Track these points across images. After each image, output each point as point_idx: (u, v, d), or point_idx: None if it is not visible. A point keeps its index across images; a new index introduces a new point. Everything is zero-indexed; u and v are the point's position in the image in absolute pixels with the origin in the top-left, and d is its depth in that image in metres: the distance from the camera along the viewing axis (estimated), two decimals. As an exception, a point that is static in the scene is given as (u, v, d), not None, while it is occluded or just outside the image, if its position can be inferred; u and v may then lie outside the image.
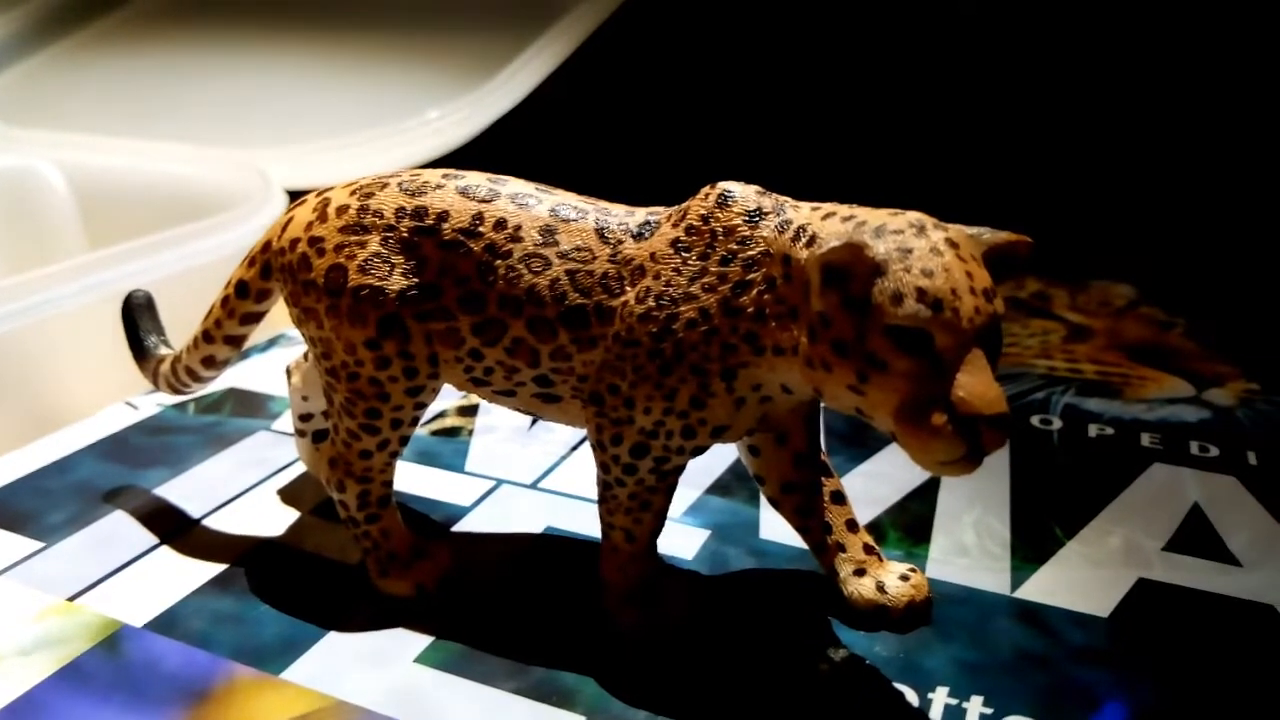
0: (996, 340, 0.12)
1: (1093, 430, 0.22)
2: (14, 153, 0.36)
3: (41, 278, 0.23)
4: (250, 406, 0.22)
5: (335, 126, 0.39)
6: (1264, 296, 0.31)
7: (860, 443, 0.21)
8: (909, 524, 0.18)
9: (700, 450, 0.14)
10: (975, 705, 0.14)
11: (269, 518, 0.18)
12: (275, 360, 0.25)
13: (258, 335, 0.23)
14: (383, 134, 0.39)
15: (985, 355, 0.11)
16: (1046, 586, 0.16)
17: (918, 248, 0.11)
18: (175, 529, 0.18)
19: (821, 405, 0.15)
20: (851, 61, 0.47)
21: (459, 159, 0.38)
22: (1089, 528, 0.18)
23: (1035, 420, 0.22)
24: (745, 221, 0.13)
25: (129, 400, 0.23)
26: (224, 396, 0.23)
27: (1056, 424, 0.22)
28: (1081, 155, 0.42)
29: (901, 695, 0.14)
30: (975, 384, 0.11)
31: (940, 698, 0.14)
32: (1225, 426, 0.22)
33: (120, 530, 0.18)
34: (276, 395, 0.23)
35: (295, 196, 0.25)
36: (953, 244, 0.12)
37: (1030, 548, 0.17)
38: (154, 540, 0.17)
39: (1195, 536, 0.18)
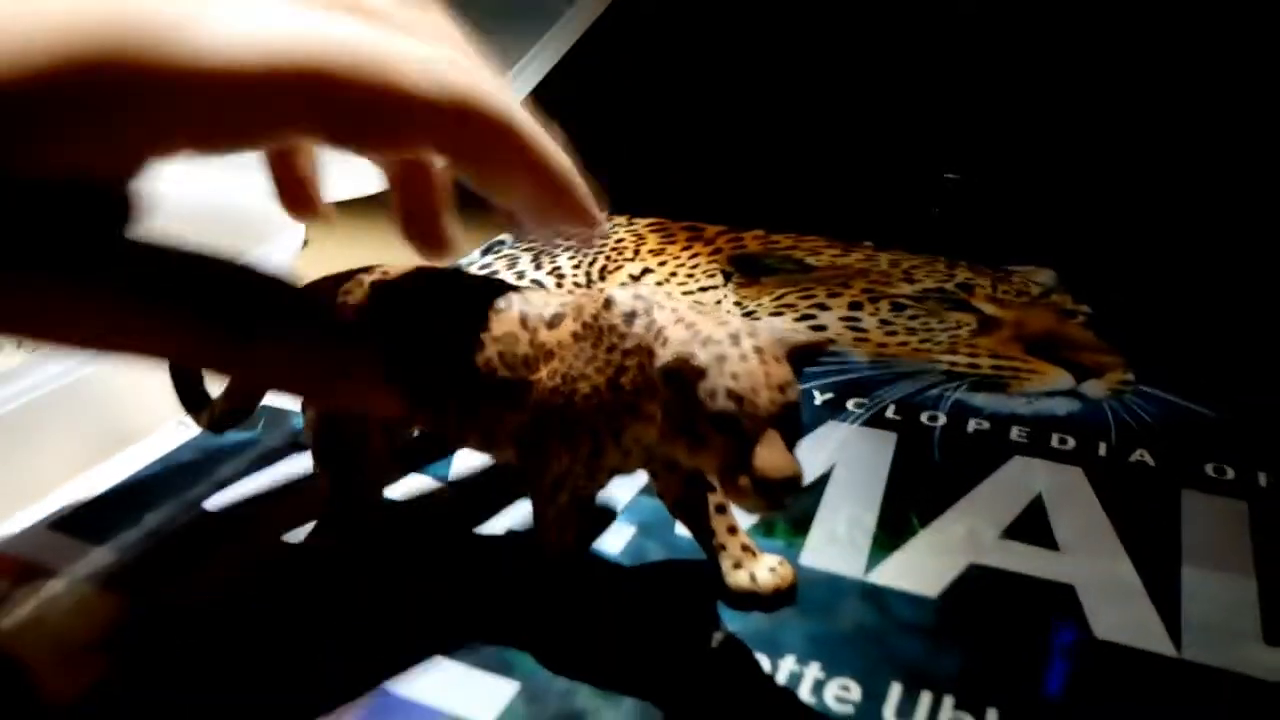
0: (793, 421, 0.15)
1: (972, 425, 0.25)
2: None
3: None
4: (283, 425, 0.27)
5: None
6: (1167, 283, 0.34)
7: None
8: (795, 517, 0.22)
9: (603, 484, 0.18)
10: (813, 669, 0.18)
11: (290, 521, 0.22)
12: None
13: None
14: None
15: (781, 433, 0.15)
16: (893, 571, 0.20)
17: (730, 355, 0.15)
18: (218, 533, 0.22)
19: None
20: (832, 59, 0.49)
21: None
22: (941, 517, 0.21)
23: (924, 417, 0.26)
24: (623, 321, 0.17)
25: (182, 420, 0.27)
26: (266, 415, 0.27)
27: (941, 420, 0.25)
28: (1022, 136, 0.45)
29: (759, 663, 0.18)
30: (770, 455, 0.15)
31: (787, 664, 0.18)
32: (1087, 419, 0.25)
33: (173, 543, 0.22)
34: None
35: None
36: (759, 350, 0.15)
37: (888, 536, 0.21)
38: (204, 550, 0.22)
39: (1029, 525, 0.21)
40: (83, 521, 0.22)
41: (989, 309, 0.32)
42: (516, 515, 0.22)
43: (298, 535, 0.22)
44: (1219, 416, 0.25)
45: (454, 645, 0.18)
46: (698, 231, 0.39)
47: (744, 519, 0.20)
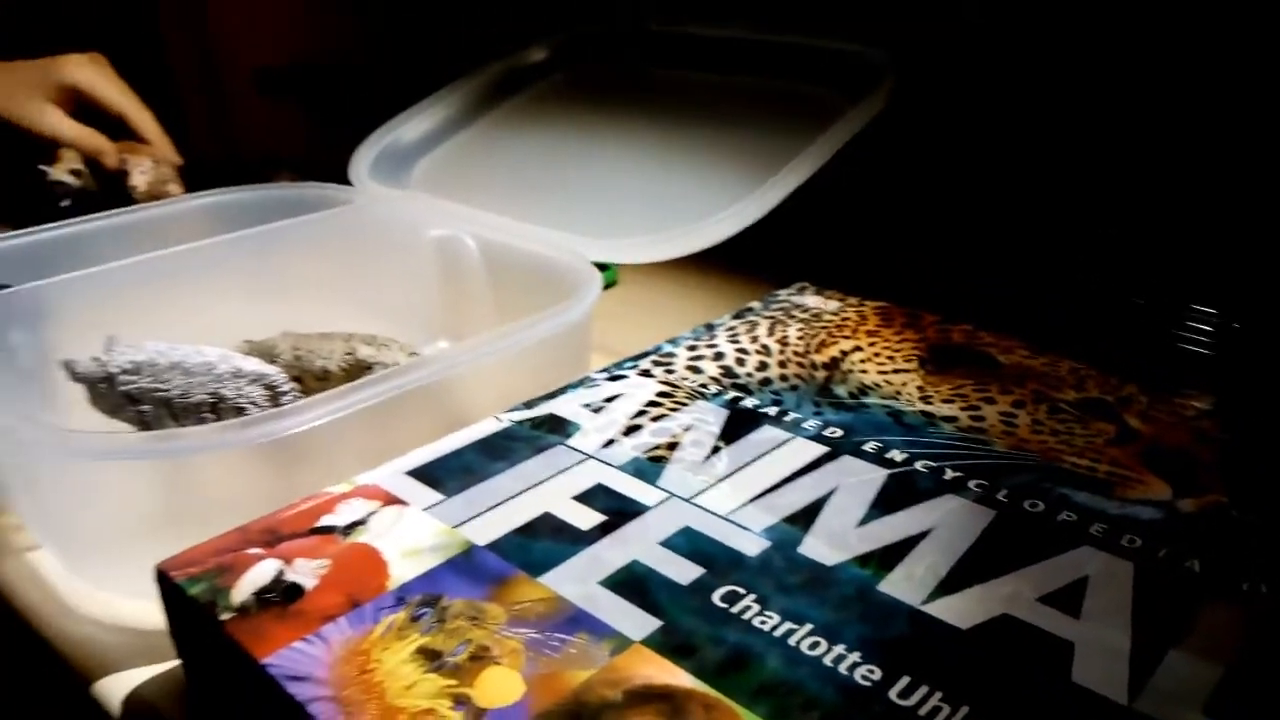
0: None
1: (1062, 516, 0.31)
2: (443, 225, 0.54)
3: (463, 348, 0.39)
4: (557, 427, 0.38)
5: (644, 216, 0.53)
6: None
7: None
8: (887, 556, 0.29)
9: None
10: (854, 656, 0.25)
11: (546, 497, 0.33)
12: (579, 397, 0.40)
13: (568, 376, 0.38)
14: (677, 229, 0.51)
15: None
16: (941, 606, 0.27)
17: None
18: (505, 497, 0.33)
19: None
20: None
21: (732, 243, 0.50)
22: (999, 579, 0.28)
23: (1026, 503, 0.32)
24: None
25: (497, 416, 0.39)
26: (546, 418, 0.38)
27: (1039, 508, 0.32)
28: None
29: (820, 643, 0.26)
30: None
31: (838, 649, 0.26)
32: (1164, 528, 0.30)
33: (478, 493, 0.33)
34: (572, 420, 0.38)
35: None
36: None
37: (950, 584, 0.28)
38: (496, 500, 0.33)
39: (1065, 596, 0.27)
40: (425, 472, 0.34)
41: (1134, 423, 0.37)
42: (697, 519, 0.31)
43: (556, 506, 0.32)
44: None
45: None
46: (915, 318, 0.47)
47: (840, 558, 0.28)
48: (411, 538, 0.30)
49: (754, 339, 0.44)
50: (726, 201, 0.53)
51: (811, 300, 0.49)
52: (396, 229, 0.53)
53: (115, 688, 0.32)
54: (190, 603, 0.28)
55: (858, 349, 0.43)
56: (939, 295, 0.50)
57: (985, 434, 0.36)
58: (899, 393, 0.39)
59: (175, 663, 0.32)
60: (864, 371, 0.41)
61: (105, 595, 0.35)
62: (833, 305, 0.48)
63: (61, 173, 0.60)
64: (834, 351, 0.43)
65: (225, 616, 0.27)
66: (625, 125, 0.64)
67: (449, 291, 0.53)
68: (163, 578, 0.29)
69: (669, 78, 0.68)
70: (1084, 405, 0.38)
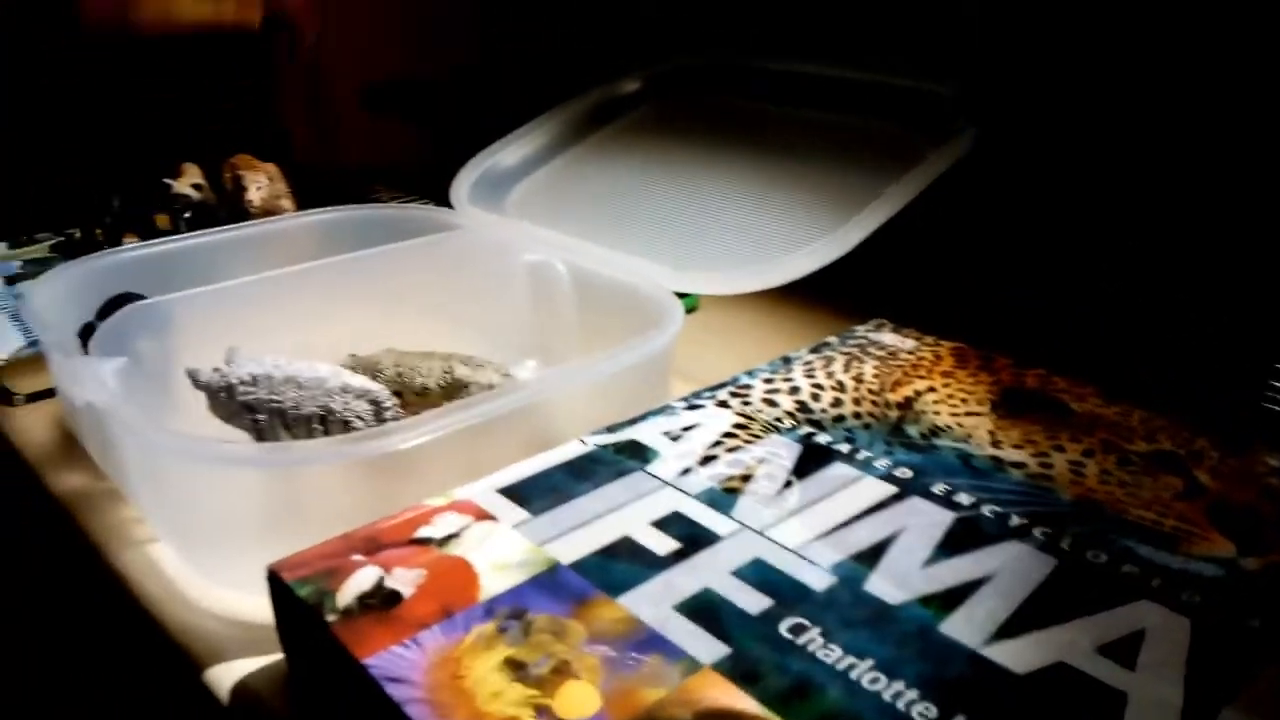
0: None
1: (1125, 568, 0.32)
2: (536, 251, 0.57)
3: (553, 373, 0.41)
4: (637, 453, 0.40)
5: (727, 248, 0.55)
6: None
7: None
8: (949, 599, 0.31)
9: None
10: (913, 693, 0.27)
11: (625, 521, 0.35)
12: (659, 424, 0.42)
13: (649, 401, 0.40)
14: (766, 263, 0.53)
15: None
16: (999, 650, 0.28)
17: None
18: (588, 519, 0.35)
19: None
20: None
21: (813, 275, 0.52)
22: (1058, 627, 0.29)
23: (1089, 554, 0.33)
24: None
25: (582, 439, 0.41)
26: (627, 444, 0.40)
27: (1101, 559, 0.33)
28: None
29: (880, 678, 0.27)
30: None
31: (897, 685, 0.27)
32: (1225, 585, 0.31)
33: (563, 513, 0.35)
34: (652, 447, 0.40)
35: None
36: None
37: (1010, 628, 0.29)
38: (579, 521, 0.35)
39: (1121, 648, 0.28)
40: (514, 490, 0.37)
41: (1202, 478, 0.37)
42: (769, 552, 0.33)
43: (634, 530, 0.34)
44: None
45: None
46: (989, 361, 0.48)
47: (904, 600, 0.29)
48: (501, 553, 0.33)
49: (830, 375, 0.46)
50: (809, 237, 0.54)
51: (889, 338, 0.50)
52: (494, 253, 0.56)
53: (224, 676, 0.35)
54: (299, 603, 0.31)
55: (931, 390, 0.44)
56: (1016, 338, 0.50)
57: (1052, 481, 0.37)
58: (970, 436, 0.40)
59: (279, 656, 0.35)
60: (936, 413, 0.42)
61: (217, 588, 0.38)
62: (909, 344, 0.49)
63: (184, 186, 0.64)
64: (908, 391, 0.44)
65: (331, 618, 0.30)
66: (713, 157, 0.66)
67: (539, 313, 0.55)
68: (274, 578, 0.32)
69: (758, 112, 0.69)
70: (1153, 457, 0.39)
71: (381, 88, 0.96)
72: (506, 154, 0.66)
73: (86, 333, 0.46)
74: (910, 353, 0.48)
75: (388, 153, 0.96)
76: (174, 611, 0.38)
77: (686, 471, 0.37)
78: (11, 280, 0.65)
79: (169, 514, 0.39)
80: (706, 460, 0.38)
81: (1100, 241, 0.62)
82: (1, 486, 0.53)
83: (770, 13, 0.76)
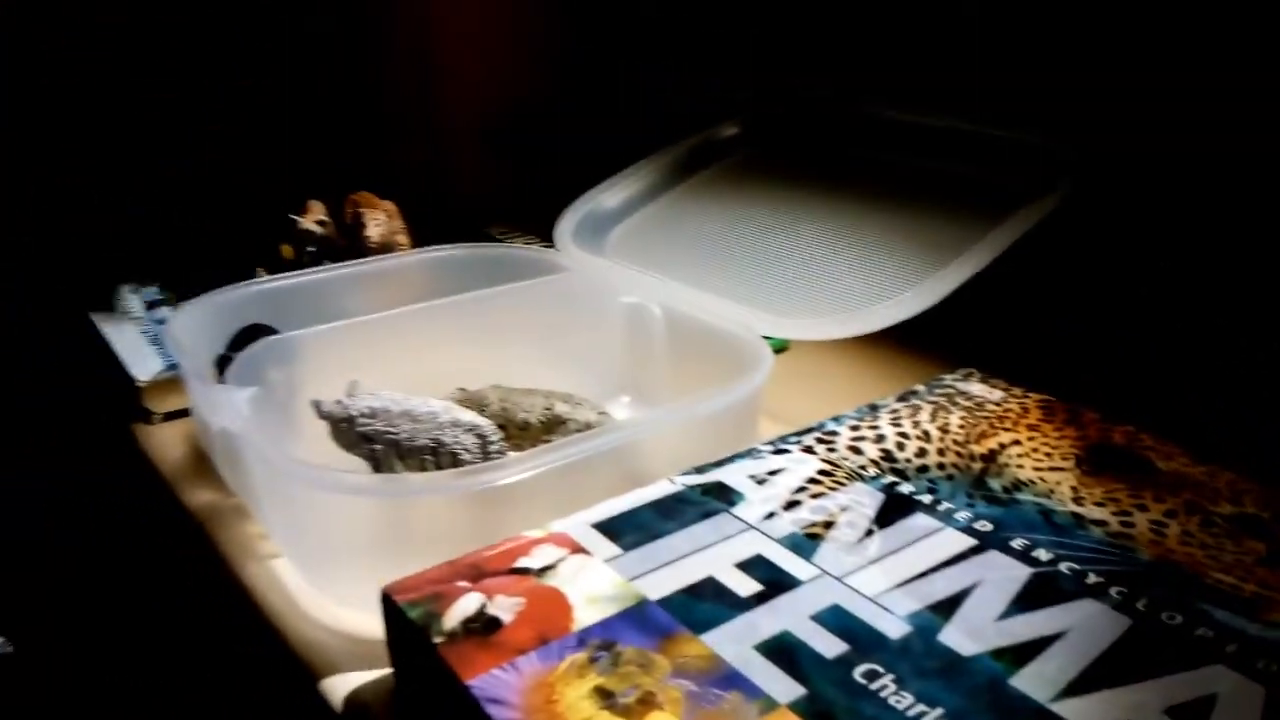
0: None
1: (1200, 631, 0.33)
2: (633, 293, 0.59)
3: (648, 415, 0.44)
4: (723, 495, 0.41)
5: (819, 294, 0.57)
6: None
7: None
8: (1023, 652, 0.32)
9: None
10: (980, 743, 0.28)
11: (710, 561, 0.37)
12: (745, 468, 0.44)
13: (737, 443, 0.42)
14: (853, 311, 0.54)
15: None
16: (1066, 707, 0.29)
17: None
18: (675, 557, 0.37)
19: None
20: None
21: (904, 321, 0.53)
22: (1125, 688, 0.30)
23: (1164, 615, 0.33)
24: None
25: (671, 479, 0.43)
26: (714, 485, 0.42)
27: (1177, 620, 0.33)
28: None
29: (949, 728, 0.29)
30: None
31: (966, 735, 0.28)
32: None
33: (652, 550, 0.37)
34: (738, 490, 0.42)
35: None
36: None
37: (1078, 687, 0.30)
38: (666, 559, 0.37)
39: (1189, 712, 0.29)
40: (607, 526, 0.39)
41: (1288, 543, 0.37)
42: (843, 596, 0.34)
43: (717, 569, 0.36)
44: None
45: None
46: (1076, 414, 0.48)
47: (977, 649, 0.30)
48: (593, 586, 0.35)
49: (916, 424, 0.47)
50: (901, 285, 0.56)
51: (976, 388, 0.51)
52: (593, 294, 0.59)
53: (338, 686, 0.38)
54: (409, 624, 0.33)
55: (1016, 443, 0.45)
56: (1105, 392, 0.51)
57: (1133, 540, 0.38)
58: (1052, 491, 0.41)
59: (388, 670, 0.38)
60: (1020, 466, 0.43)
61: (333, 605, 0.41)
62: (996, 395, 0.50)
63: (309, 222, 0.69)
64: (993, 443, 0.45)
65: (438, 639, 0.32)
66: (808, 203, 0.67)
67: (633, 352, 0.58)
68: (387, 599, 0.35)
69: (853, 159, 0.71)
70: (1238, 520, 0.39)
71: (494, 125, 1.00)
72: (608, 196, 0.69)
73: (222, 362, 0.50)
74: (997, 404, 0.49)
75: (499, 186, 1.01)
76: (294, 624, 0.41)
77: (770, 515, 0.39)
78: (151, 305, 0.70)
79: (292, 533, 0.42)
80: (790, 505, 0.40)
81: (1197, 300, 0.62)
82: (138, 497, 0.58)
83: (867, 60, 0.77)
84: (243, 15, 0.86)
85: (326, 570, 0.41)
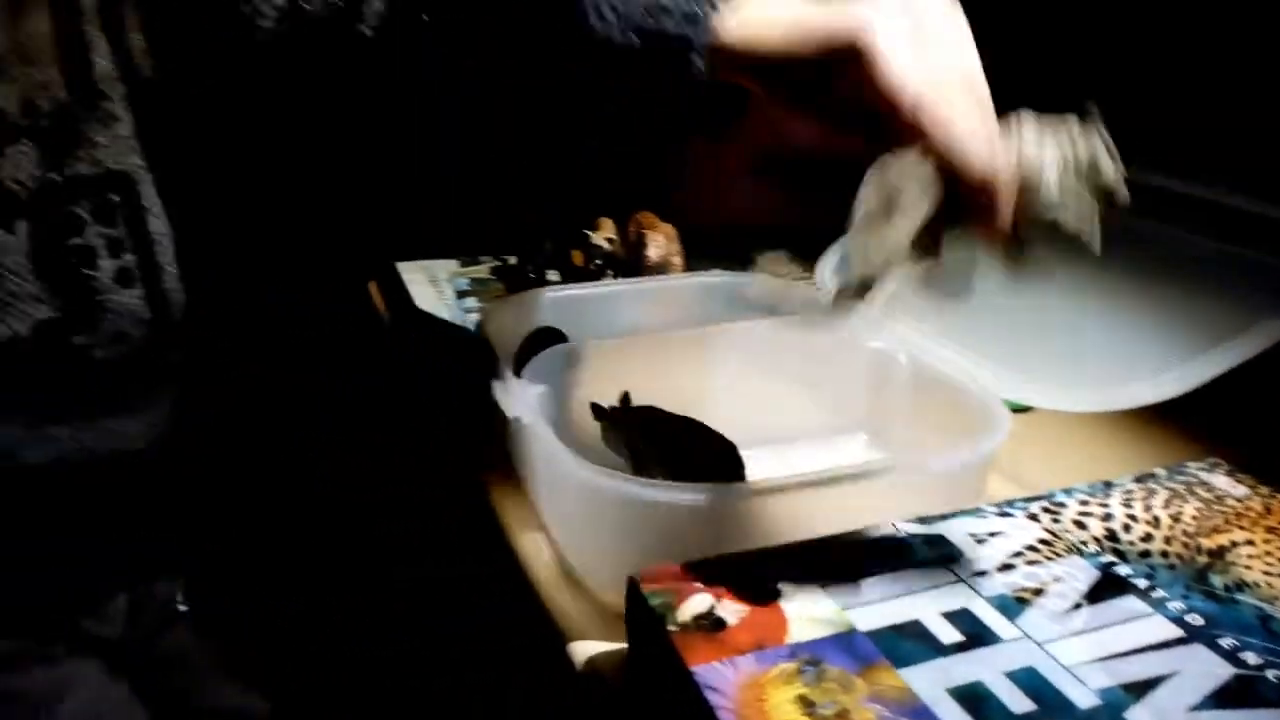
0: None
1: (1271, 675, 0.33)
2: (881, 338, 0.62)
3: (885, 463, 0.48)
4: (942, 548, 0.45)
5: (1072, 361, 0.57)
6: None
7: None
8: (1136, 690, 0.33)
9: None
10: (1146, 818, 0.30)
11: (919, 606, 0.40)
12: (967, 525, 0.46)
13: (963, 499, 0.45)
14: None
15: None
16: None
17: None
18: (887, 596, 0.41)
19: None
20: None
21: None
22: (1310, 799, 0.31)
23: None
24: None
25: (895, 524, 0.46)
26: (935, 538, 0.45)
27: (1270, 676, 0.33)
28: None
29: (1119, 799, 0.31)
30: None
31: (1134, 808, 0.31)
32: None
33: (867, 586, 0.41)
34: (956, 545, 0.45)
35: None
36: None
37: (1260, 788, 0.31)
38: (879, 597, 0.41)
39: None
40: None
41: None
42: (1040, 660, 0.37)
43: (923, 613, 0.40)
44: None
45: (969, 704, 0.35)
46: (1324, 524, 0.47)
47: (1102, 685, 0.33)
48: (810, 608, 0.39)
49: (1148, 508, 0.48)
50: (1160, 364, 0.55)
51: (1220, 480, 0.51)
52: (846, 335, 0.63)
53: (580, 651, 0.45)
54: (649, 610, 0.39)
55: (1250, 543, 0.45)
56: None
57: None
58: (1278, 598, 0.41)
59: (624, 645, 0.44)
60: (1248, 568, 0.43)
61: (584, 580, 0.48)
62: (1240, 491, 0.50)
63: (600, 238, 0.77)
64: (1224, 540, 0.45)
65: (671, 628, 0.38)
66: (1077, 268, 0.67)
67: (875, 394, 0.61)
68: (633, 585, 0.41)
69: (1130, 227, 0.70)
70: None
71: (787, 164, 1.05)
72: (871, 241, 0.72)
73: (519, 358, 0.58)
74: (1239, 500, 0.49)
75: (769, 213, 1.06)
76: (551, 592, 0.49)
77: (983, 573, 0.42)
78: (461, 295, 0.81)
79: (559, 516, 0.50)
80: (1005, 568, 0.43)
81: None
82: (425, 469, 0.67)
83: (1154, 127, 0.76)
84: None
85: (582, 551, 0.48)
